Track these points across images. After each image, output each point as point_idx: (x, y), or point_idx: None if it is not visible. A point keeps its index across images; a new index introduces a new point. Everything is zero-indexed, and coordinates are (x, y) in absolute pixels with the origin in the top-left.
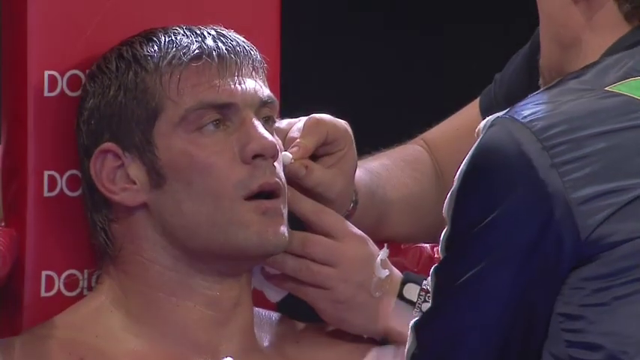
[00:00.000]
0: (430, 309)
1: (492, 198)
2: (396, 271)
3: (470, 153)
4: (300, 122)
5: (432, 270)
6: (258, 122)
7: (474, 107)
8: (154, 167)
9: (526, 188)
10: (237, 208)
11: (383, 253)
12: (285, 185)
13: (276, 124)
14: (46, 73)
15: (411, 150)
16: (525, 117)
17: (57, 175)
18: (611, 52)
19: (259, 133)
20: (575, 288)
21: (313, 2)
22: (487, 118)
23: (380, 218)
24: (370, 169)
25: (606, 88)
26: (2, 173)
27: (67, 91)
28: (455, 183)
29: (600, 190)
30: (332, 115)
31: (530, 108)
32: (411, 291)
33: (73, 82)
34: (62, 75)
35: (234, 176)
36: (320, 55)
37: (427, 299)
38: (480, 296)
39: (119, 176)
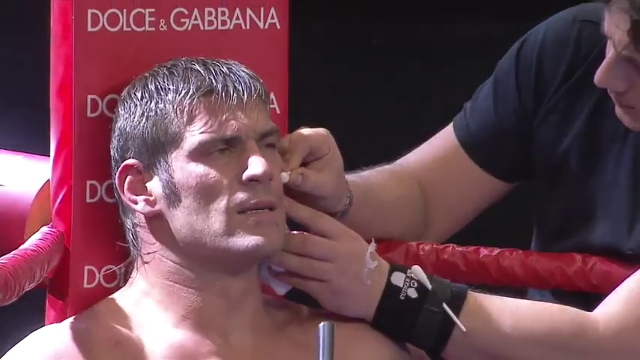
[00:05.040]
0: None
1: None
2: (383, 261)
3: None
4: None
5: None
6: (257, 151)
7: (449, 133)
8: (168, 184)
9: None
10: (234, 221)
11: (371, 247)
12: (282, 199)
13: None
14: (89, 97)
15: (392, 168)
16: None
17: (97, 185)
18: None
19: (256, 160)
20: None
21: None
22: None
23: (373, 216)
24: (361, 176)
25: None
26: (51, 183)
27: (107, 113)
28: None
29: None
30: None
31: None
32: (398, 278)
33: (112, 105)
34: (102, 98)
35: (232, 195)
36: (319, 84)
37: (412, 285)
38: None
39: (140, 189)
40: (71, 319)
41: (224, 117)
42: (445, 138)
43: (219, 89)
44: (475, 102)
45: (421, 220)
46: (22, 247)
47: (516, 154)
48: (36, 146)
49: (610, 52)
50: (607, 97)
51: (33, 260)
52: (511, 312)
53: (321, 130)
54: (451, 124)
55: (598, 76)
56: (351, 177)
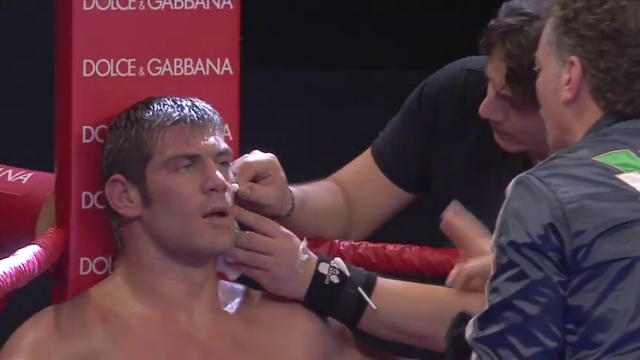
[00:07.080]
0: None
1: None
2: (313, 254)
3: (504, 206)
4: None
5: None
6: (214, 167)
7: (368, 155)
8: (144, 193)
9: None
10: (196, 223)
11: (303, 243)
12: (233, 207)
13: (239, 160)
14: (84, 127)
15: (325, 183)
16: (542, 176)
17: (91, 195)
18: (590, 131)
19: (214, 174)
20: None
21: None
22: (513, 180)
23: (310, 220)
24: (300, 188)
25: (593, 159)
26: (55, 193)
27: (98, 139)
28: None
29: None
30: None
31: (545, 170)
32: (324, 267)
33: (102, 133)
34: (94, 128)
35: (195, 202)
36: (264, 116)
37: (334, 272)
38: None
39: (124, 197)
40: (68, 301)
41: (188, 140)
42: (365, 158)
43: (185, 118)
44: (386, 131)
45: (347, 224)
46: (33, 242)
47: (419, 172)
48: (44, 164)
49: (491, 91)
50: (489, 125)
51: (41, 253)
52: (409, 293)
53: (268, 156)
54: (370, 148)
55: (481, 109)
56: (292, 188)
